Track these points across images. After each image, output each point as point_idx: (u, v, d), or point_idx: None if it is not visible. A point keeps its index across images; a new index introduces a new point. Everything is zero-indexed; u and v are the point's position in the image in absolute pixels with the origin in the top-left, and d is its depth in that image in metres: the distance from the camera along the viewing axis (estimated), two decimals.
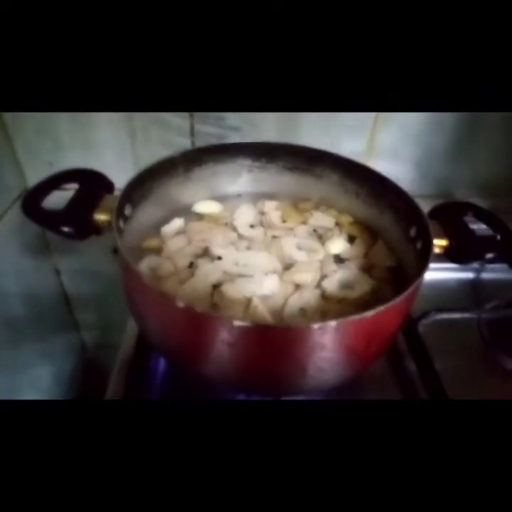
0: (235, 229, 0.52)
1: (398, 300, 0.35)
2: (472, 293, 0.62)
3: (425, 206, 0.47)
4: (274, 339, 0.35)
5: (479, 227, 0.46)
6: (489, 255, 0.42)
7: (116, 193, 0.44)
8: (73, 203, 0.43)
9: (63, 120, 0.59)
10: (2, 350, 0.59)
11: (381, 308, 0.34)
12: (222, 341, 0.35)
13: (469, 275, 0.64)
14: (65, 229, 0.41)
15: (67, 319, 0.74)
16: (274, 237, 0.52)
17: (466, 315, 0.53)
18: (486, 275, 0.64)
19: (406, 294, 0.35)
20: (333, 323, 0.34)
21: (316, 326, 0.33)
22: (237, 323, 0.33)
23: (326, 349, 0.36)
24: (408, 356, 0.51)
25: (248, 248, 0.50)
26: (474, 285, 0.63)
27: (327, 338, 0.35)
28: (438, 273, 0.61)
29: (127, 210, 0.45)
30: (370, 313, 0.34)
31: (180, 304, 0.34)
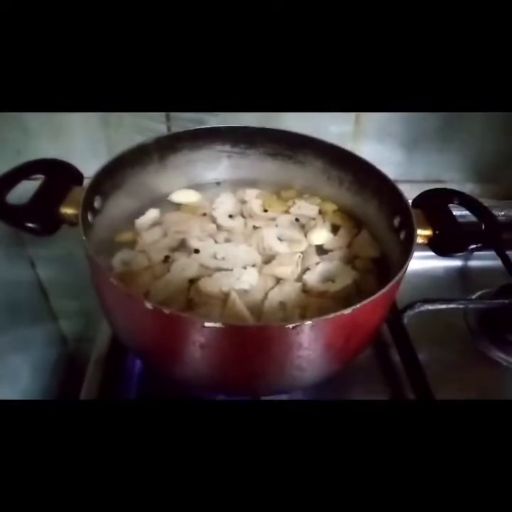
0: (213, 219, 0.50)
1: (377, 296, 0.34)
2: (460, 281, 0.61)
3: (414, 191, 0.45)
4: (248, 339, 0.33)
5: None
6: (473, 246, 0.40)
7: (87, 183, 0.42)
8: (38, 196, 0.41)
9: None
10: None
11: (358, 305, 0.32)
12: (194, 343, 0.33)
13: (457, 263, 0.63)
14: (29, 225, 0.39)
15: (44, 311, 0.72)
16: (255, 227, 0.50)
17: (452, 305, 0.52)
18: (474, 263, 0.63)
19: (385, 290, 0.34)
20: (308, 322, 0.32)
21: (290, 325, 0.32)
22: (208, 324, 0.32)
23: (303, 348, 0.34)
24: (393, 348, 0.50)
25: (227, 240, 0.48)
26: (462, 273, 0.62)
27: (303, 337, 0.33)
28: (425, 261, 0.59)
29: (97, 203, 0.43)
30: (347, 311, 0.32)
31: (148, 305, 0.32)
